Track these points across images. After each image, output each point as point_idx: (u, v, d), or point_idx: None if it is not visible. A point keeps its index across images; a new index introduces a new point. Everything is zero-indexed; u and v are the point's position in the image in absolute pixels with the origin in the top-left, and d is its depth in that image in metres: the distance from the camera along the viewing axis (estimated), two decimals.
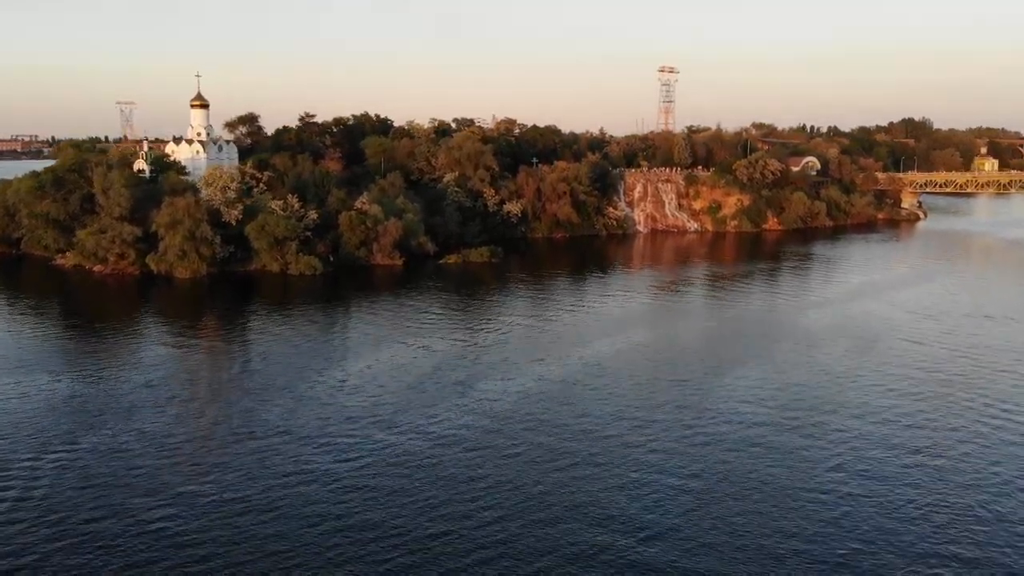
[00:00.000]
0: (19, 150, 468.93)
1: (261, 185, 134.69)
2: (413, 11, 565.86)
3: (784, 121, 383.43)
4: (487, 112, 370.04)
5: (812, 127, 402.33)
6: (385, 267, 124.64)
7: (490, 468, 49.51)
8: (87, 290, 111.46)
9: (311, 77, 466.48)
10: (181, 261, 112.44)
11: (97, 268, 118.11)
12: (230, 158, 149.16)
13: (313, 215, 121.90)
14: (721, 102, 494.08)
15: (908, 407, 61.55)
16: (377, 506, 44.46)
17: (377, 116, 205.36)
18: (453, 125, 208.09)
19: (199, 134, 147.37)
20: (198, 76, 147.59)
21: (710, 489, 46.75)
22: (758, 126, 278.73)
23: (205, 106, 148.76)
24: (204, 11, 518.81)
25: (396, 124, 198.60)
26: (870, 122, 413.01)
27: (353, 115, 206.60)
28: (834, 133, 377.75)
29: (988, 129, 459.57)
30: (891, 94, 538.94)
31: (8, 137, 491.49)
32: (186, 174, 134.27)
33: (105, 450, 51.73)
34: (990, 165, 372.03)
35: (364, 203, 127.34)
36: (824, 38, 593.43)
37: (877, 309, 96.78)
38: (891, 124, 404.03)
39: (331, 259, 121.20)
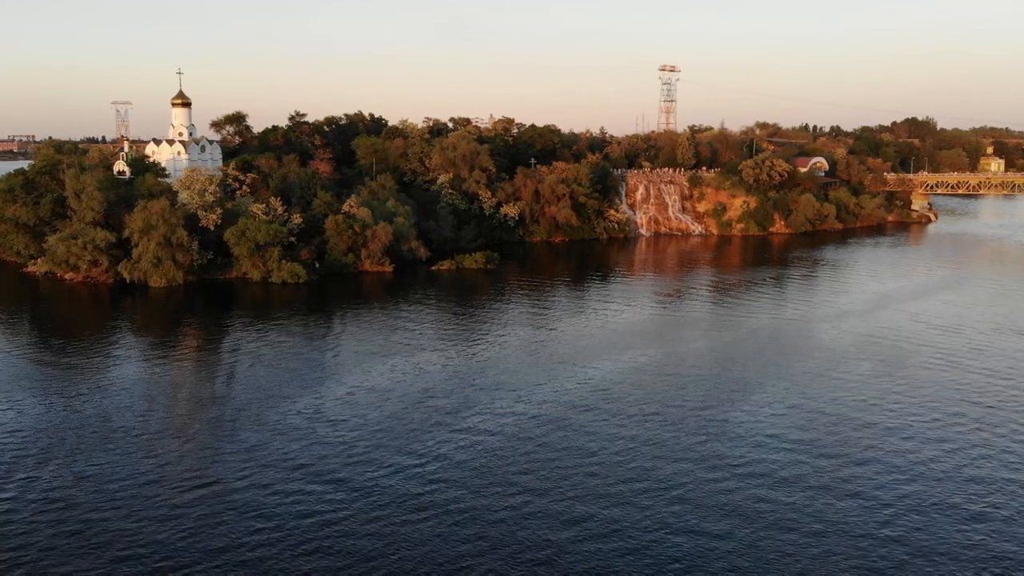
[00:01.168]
0: (15, 150, 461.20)
1: (244, 188, 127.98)
2: (413, 11, 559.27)
3: (786, 121, 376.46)
4: (485, 112, 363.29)
5: (815, 127, 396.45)
6: (374, 274, 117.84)
7: (483, 527, 42.72)
8: (57, 300, 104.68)
9: (308, 77, 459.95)
10: (156, 269, 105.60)
11: (69, 276, 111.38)
12: (214, 159, 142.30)
13: (297, 219, 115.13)
14: (721, 102, 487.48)
15: (957, 445, 54.74)
16: None
17: (371, 116, 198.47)
18: (450, 125, 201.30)
19: (181, 134, 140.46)
20: (180, 73, 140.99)
21: (752, 547, 40.04)
22: (762, 126, 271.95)
23: (187, 104, 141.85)
24: (203, 10, 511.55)
25: (391, 124, 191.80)
26: (873, 121, 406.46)
27: (346, 114, 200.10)
28: (837, 133, 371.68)
29: (992, 129, 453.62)
30: (893, 93, 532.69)
31: (5, 138, 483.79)
32: (166, 176, 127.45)
33: (35, 499, 44.91)
34: (996, 165, 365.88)
35: (352, 206, 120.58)
36: (825, 37, 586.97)
37: (899, 323, 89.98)
38: (894, 124, 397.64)
39: (317, 266, 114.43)
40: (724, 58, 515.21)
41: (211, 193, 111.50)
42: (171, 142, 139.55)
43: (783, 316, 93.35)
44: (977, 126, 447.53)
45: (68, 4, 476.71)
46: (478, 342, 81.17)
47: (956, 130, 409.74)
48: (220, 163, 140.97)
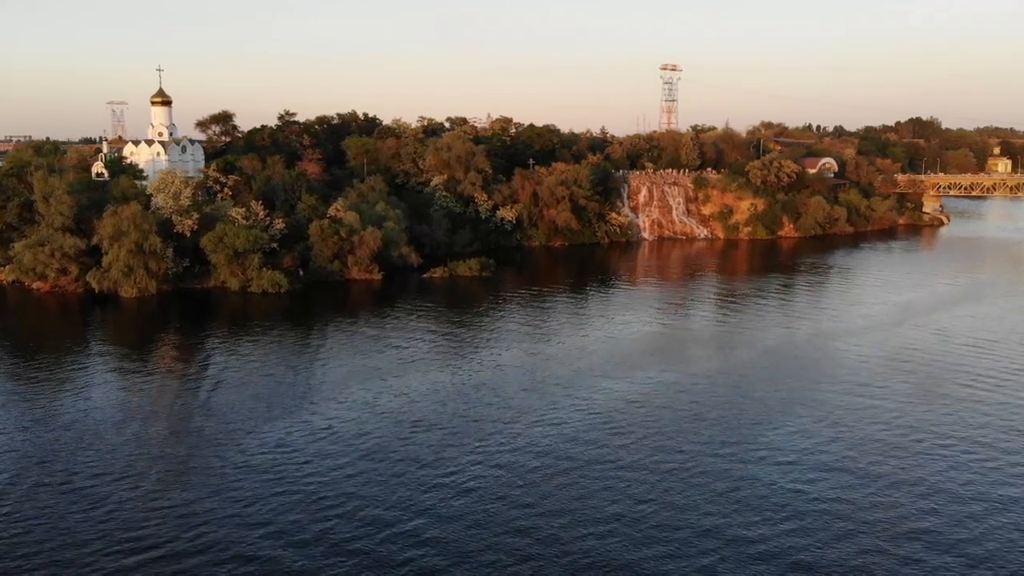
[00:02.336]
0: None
1: (226, 190, 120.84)
2: (412, 11, 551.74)
3: (788, 121, 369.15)
4: (484, 113, 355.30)
5: (818, 127, 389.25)
6: (362, 282, 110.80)
7: None
8: (22, 312, 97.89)
9: (308, 77, 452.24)
10: (126, 278, 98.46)
11: (37, 285, 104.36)
12: (195, 160, 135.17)
13: (280, 224, 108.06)
14: (722, 101, 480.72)
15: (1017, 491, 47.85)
16: None
17: (365, 115, 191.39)
18: (447, 125, 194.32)
19: (160, 134, 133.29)
20: (159, 70, 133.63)
21: None
22: (767, 125, 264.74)
23: (167, 103, 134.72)
24: (202, 11, 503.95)
25: (385, 124, 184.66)
26: (876, 121, 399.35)
27: (338, 113, 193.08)
28: (840, 133, 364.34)
29: (997, 128, 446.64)
30: (895, 93, 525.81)
31: (1, 138, 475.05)
32: (143, 178, 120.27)
33: None
34: (1003, 166, 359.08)
35: (339, 210, 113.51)
36: (827, 37, 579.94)
37: (926, 340, 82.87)
38: (898, 123, 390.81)
39: (301, 273, 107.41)
40: (724, 57, 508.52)
41: (186, 196, 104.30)
42: (150, 142, 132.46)
43: (800, 331, 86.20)
44: (981, 126, 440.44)
45: (65, 4, 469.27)
46: (470, 362, 74.18)
47: (961, 130, 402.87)
48: (202, 164, 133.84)
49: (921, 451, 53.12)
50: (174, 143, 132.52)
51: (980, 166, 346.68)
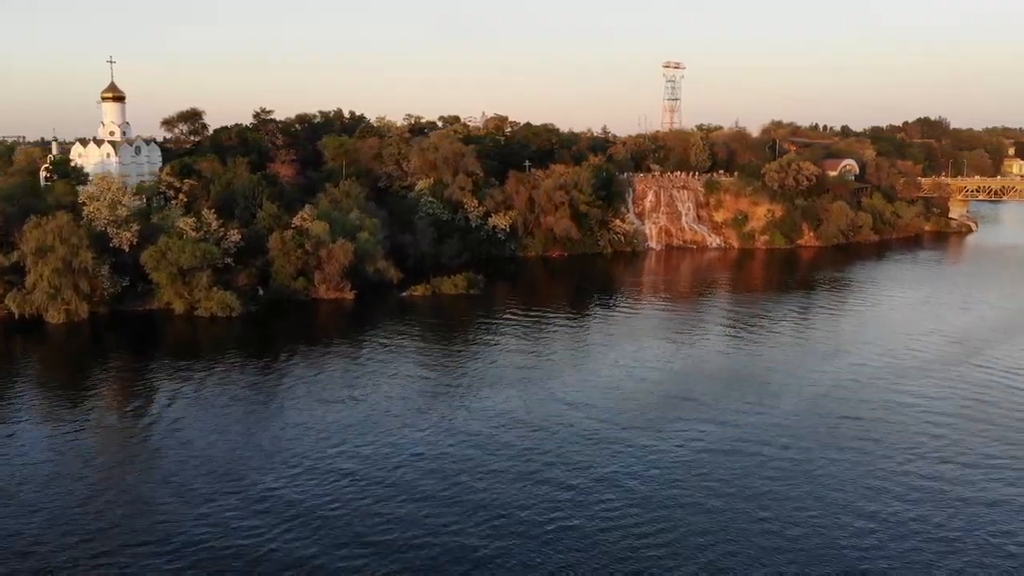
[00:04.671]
0: None
1: (181, 196, 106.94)
2: (412, 11, 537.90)
3: (793, 121, 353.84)
4: (478, 112, 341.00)
5: (825, 127, 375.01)
6: (331, 302, 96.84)
7: None
8: None
9: (309, 77, 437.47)
10: (53, 301, 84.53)
11: None
12: (151, 162, 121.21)
13: (235, 235, 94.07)
14: (722, 101, 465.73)
15: None
16: None
17: (352, 113, 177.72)
18: (440, 124, 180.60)
19: (112, 133, 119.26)
20: (111, 62, 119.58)
21: None
22: (778, 125, 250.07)
23: (120, 99, 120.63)
24: (200, 11, 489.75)
25: (369, 122, 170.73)
26: (882, 122, 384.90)
27: (320, 111, 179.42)
28: (847, 134, 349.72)
29: (1006, 128, 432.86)
30: (898, 93, 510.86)
31: None
32: (87, 183, 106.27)
33: None
34: (1018, 167, 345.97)
35: (305, 218, 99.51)
36: (829, 36, 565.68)
37: (996, 384, 68.35)
38: (906, 123, 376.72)
39: (260, 292, 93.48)
40: (724, 57, 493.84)
41: (125, 205, 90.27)
42: (99, 143, 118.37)
43: (847, 371, 71.03)
44: (990, 126, 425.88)
45: (60, 3, 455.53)
46: (452, 405, 60.45)
47: (970, 130, 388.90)
48: (159, 166, 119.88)
49: None
50: (127, 143, 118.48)
51: (996, 167, 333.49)
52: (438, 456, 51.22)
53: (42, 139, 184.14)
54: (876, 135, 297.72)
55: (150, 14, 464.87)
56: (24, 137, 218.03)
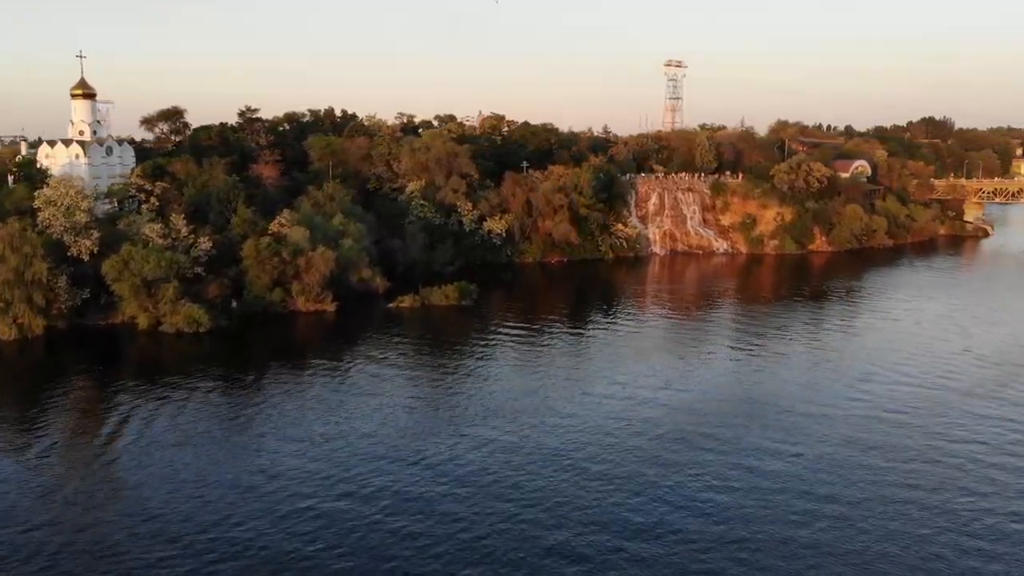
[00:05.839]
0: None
1: (152, 200, 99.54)
2: (411, 10, 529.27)
3: (795, 120, 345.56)
4: (475, 111, 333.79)
5: (829, 126, 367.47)
6: (310, 315, 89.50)
7: None
8: None
9: (309, 77, 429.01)
10: (3, 315, 77.21)
11: None
12: (123, 163, 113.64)
13: (206, 243, 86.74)
14: (724, 100, 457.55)
15: None
16: None
17: (344, 112, 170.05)
18: (435, 124, 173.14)
19: (82, 132, 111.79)
20: (81, 56, 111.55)
21: None
22: (783, 124, 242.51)
23: (91, 96, 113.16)
24: (197, 10, 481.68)
25: (359, 120, 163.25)
26: (886, 121, 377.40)
27: (310, 109, 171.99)
28: (852, 134, 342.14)
29: (1010, 128, 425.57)
30: (902, 92, 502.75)
31: None
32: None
33: None
34: None
35: (283, 224, 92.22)
36: (830, 35, 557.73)
37: None
38: (910, 123, 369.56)
39: (233, 305, 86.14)
40: (722, 57, 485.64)
41: (83, 210, 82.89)
42: (67, 143, 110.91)
43: (877, 399, 63.71)
44: (994, 126, 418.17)
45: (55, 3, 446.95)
46: (437, 442, 53.00)
47: (975, 130, 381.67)
48: (133, 168, 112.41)
49: None
50: (97, 143, 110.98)
51: (1005, 168, 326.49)
52: (420, 498, 43.97)
53: (39, 138, 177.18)
54: (881, 135, 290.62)
55: (140, 11, 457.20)
56: (25, 136, 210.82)
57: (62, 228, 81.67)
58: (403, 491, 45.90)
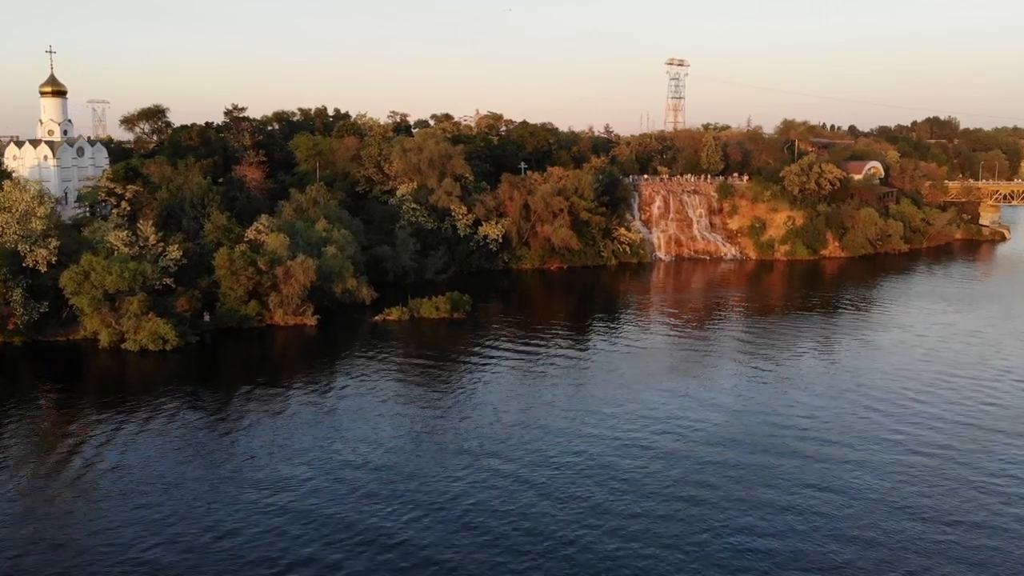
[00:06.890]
0: None
1: (124, 205, 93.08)
2: (411, 10, 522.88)
3: (799, 119, 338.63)
4: (471, 111, 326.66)
5: (833, 126, 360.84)
6: (289, 330, 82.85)
7: None
8: None
9: (308, 77, 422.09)
10: None
11: None
12: (96, 165, 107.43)
13: (175, 252, 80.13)
14: (725, 99, 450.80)
15: None
16: None
17: (338, 111, 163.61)
18: (431, 122, 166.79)
19: (51, 132, 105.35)
20: (50, 52, 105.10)
21: None
22: (790, 124, 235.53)
23: (61, 94, 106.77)
24: (194, 10, 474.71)
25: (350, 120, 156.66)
26: (890, 121, 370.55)
27: (300, 108, 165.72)
28: (856, 134, 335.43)
29: (1016, 128, 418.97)
30: (905, 92, 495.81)
31: None
32: None
33: None
34: None
35: (261, 231, 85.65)
36: (832, 34, 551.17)
37: None
38: (915, 123, 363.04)
39: (206, 319, 79.59)
40: (721, 56, 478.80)
41: (40, 217, 76.27)
42: (36, 143, 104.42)
43: (914, 434, 56.92)
44: (1000, 125, 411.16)
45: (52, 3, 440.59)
46: (421, 479, 46.28)
47: (979, 130, 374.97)
48: (106, 169, 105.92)
49: None
50: (67, 144, 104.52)
51: (1014, 168, 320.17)
52: (401, 545, 37.33)
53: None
54: (886, 135, 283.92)
55: (128, 9, 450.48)
56: (18, 136, 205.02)
57: (16, 237, 74.97)
58: (382, 537, 39.25)
